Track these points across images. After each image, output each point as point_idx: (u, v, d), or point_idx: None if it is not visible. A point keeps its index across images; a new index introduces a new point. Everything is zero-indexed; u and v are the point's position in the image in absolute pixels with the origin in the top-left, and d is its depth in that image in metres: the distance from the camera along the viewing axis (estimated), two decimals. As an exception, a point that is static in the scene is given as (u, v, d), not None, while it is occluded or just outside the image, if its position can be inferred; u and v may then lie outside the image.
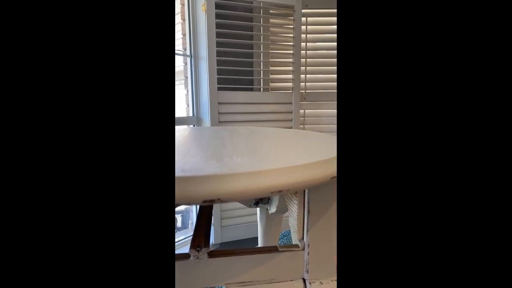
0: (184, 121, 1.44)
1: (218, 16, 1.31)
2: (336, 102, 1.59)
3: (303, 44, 1.53)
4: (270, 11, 1.45)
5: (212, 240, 1.47)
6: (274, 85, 1.55)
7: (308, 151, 0.33)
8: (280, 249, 0.37)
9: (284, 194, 0.53)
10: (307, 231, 0.37)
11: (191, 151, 0.33)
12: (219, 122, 1.38)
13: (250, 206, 0.74)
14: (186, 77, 1.50)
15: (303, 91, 1.60)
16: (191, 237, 0.39)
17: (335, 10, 1.55)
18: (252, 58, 1.49)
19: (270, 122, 1.48)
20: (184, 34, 1.48)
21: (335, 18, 1.56)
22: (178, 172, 0.23)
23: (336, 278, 0.39)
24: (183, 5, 1.45)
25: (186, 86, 1.52)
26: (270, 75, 1.54)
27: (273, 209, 0.66)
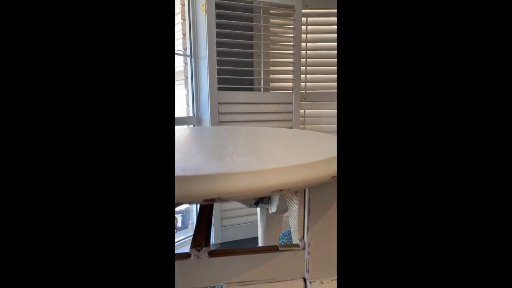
0: (184, 121, 1.44)
1: (218, 16, 1.31)
2: (336, 102, 1.59)
3: (303, 44, 1.53)
4: (270, 11, 1.45)
5: (212, 240, 1.47)
6: (274, 85, 1.55)
7: (309, 150, 0.34)
8: (280, 249, 0.38)
9: (285, 193, 0.53)
10: (308, 230, 0.37)
11: (192, 151, 0.33)
12: (219, 122, 1.39)
13: (251, 206, 0.74)
14: (186, 77, 1.50)
15: (303, 91, 1.60)
16: (191, 237, 0.39)
17: (335, 10, 1.56)
18: (252, 58, 1.49)
19: (270, 122, 1.48)
20: (184, 34, 1.48)
21: (335, 18, 1.56)
22: (179, 171, 0.23)
23: (336, 278, 0.39)
24: (183, 5, 1.45)
25: (186, 86, 1.52)
26: (270, 75, 1.54)
27: (273, 209, 0.66)
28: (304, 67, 1.58)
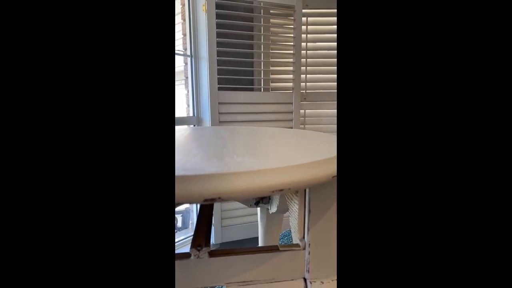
0: (184, 121, 1.44)
1: (218, 16, 1.31)
2: (336, 102, 1.59)
3: (303, 44, 1.53)
4: (271, 11, 1.45)
5: (212, 240, 1.47)
6: (275, 85, 1.55)
7: (309, 150, 0.33)
8: (280, 249, 0.37)
9: (285, 193, 0.53)
10: (308, 230, 0.37)
11: (192, 151, 0.33)
12: (220, 122, 1.39)
13: (251, 206, 0.74)
14: (187, 77, 1.50)
15: (304, 91, 1.60)
16: (191, 237, 0.39)
17: (335, 10, 1.56)
18: (253, 58, 1.49)
19: (270, 122, 1.48)
20: (184, 34, 1.48)
21: (335, 18, 1.56)
22: (179, 171, 0.23)
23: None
24: (183, 5, 1.45)
25: (186, 86, 1.52)
26: (271, 75, 1.54)
27: (273, 208, 0.66)
28: (304, 67, 1.58)
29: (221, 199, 0.22)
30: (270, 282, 0.37)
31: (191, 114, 1.50)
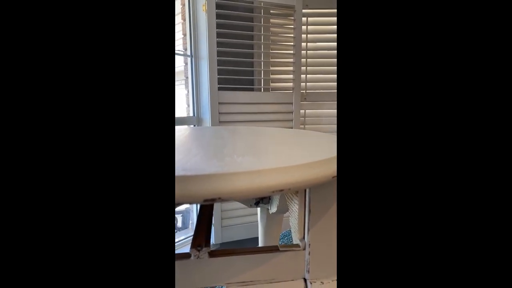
0: (184, 121, 1.44)
1: (218, 16, 1.31)
2: (336, 102, 1.59)
3: (303, 44, 1.53)
4: (271, 11, 1.45)
5: (212, 240, 1.47)
6: (275, 85, 1.55)
7: (309, 150, 0.33)
8: (281, 249, 0.37)
9: (285, 193, 0.53)
10: (308, 230, 0.37)
11: (192, 151, 0.33)
12: (220, 122, 1.39)
13: (251, 206, 0.74)
14: (187, 77, 1.51)
15: (304, 91, 1.60)
16: (191, 237, 0.39)
17: (336, 10, 1.55)
18: (253, 58, 1.49)
19: (270, 122, 1.48)
20: (184, 34, 1.48)
21: (335, 18, 1.56)
22: (179, 171, 0.23)
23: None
24: (183, 5, 1.45)
25: (186, 86, 1.52)
26: (271, 75, 1.54)
27: (273, 209, 0.66)
28: (304, 67, 1.58)
29: (221, 199, 0.22)
30: (270, 282, 0.37)
31: (191, 114, 1.50)
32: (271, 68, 1.52)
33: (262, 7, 1.42)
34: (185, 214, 2.46)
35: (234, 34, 1.38)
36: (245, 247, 0.38)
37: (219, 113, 1.37)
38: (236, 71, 1.42)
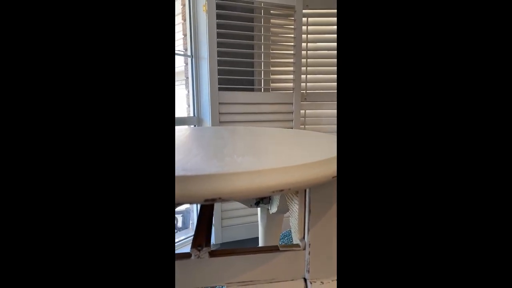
0: (185, 121, 1.44)
1: (219, 16, 1.31)
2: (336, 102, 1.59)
3: (303, 44, 1.54)
4: (271, 11, 1.45)
5: (212, 240, 1.47)
6: (275, 85, 1.55)
7: (309, 150, 0.34)
8: (281, 249, 0.38)
9: (285, 193, 0.53)
10: (308, 230, 0.37)
11: (192, 151, 0.33)
12: (220, 122, 1.39)
13: (251, 206, 0.74)
14: (187, 77, 1.51)
15: (304, 91, 1.60)
16: (192, 237, 0.39)
17: (336, 10, 1.56)
18: (253, 59, 1.49)
19: (270, 122, 1.49)
20: (185, 35, 1.48)
21: (335, 18, 1.56)
22: (179, 171, 0.23)
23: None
24: (184, 5, 1.45)
25: (187, 87, 1.52)
26: (271, 75, 1.54)
27: (274, 209, 0.66)
28: (304, 67, 1.58)
29: (221, 200, 0.22)
30: (270, 282, 0.37)
31: (191, 114, 1.50)
32: (271, 68, 1.52)
33: (262, 8, 1.42)
34: (185, 214, 2.47)
35: (235, 34, 1.38)
36: (245, 247, 0.38)
37: (219, 113, 1.37)
38: (236, 71, 1.42)
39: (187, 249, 1.43)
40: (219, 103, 1.37)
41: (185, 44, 1.49)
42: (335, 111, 1.64)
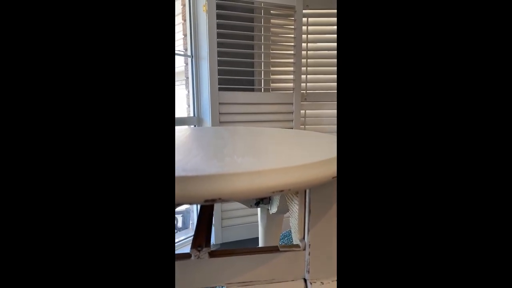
0: (185, 121, 1.44)
1: (219, 16, 1.31)
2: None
3: (304, 44, 1.54)
4: (271, 11, 1.45)
5: (212, 240, 1.47)
6: (275, 85, 1.55)
7: (309, 151, 0.33)
8: (281, 249, 0.38)
9: (285, 194, 0.53)
10: (308, 231, 0.37)
11: (192, 151, 0.33)
12: (220, 122, 1.39)
13: (251, 207, 0.74)
14: (187, 78, 1.51)
15: (304, 91, 1.60)
16: (192, 237, 0.39)
17: (336, 10, 1.56)
18: (253, 59, 1.49)
19: (270, 122, 1.49)
20: (185, 35, 1.48)
21: (335, 19, 1.56)
22: (179, 172, 0.23)
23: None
24: (184, 5, 1.45)
25: (187, 87, 1.52)
26: (271, 76, 1.54)
27: (274, 209, 0.66)
28: (304, 68, 1.58)
29: (221, 200, 0.22)
30: (270, 283, 0.37)
31: (191, 115, 1.50)
32: (272, 69, 1.52)
33: (262, 8, 1.42)
34: (185, 214, 2.46)
35: (235, 34, 1.38)
36: (245, 247, 0.38)
37: (219, 113, 1.37)
38: (236, 71, 1.42)
39: (187, 249, 1.43)
40: (219, 103, 1.37)
41: (185, 44, 1.49)
42: (335, 111, 1.64)
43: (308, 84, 1.61)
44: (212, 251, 0.36)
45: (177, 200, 0.22)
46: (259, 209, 0.85)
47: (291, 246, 0.38)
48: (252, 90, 1.51)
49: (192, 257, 0.35)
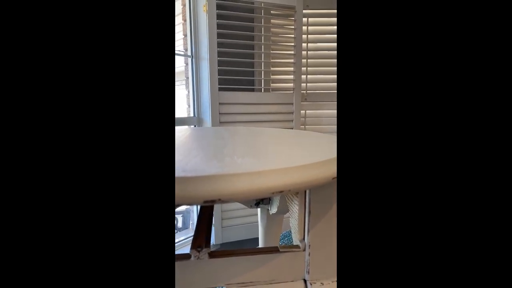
0: (185, 121, 1.44)
1: (219, 16, 1.31)
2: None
3: (304, 44, 1.54)
4: (271, 11, 1.45)
5: (212, 240, 1.47)
6: (275, 85, 1.55)
7: (309, 151, 0.33)
8: (281, 250, 0.37)
9: (285, 194, 0.53)
10: (308, 231, 0.37)
11: (192, 152, 0.33)
12: (220, 122, 1.39)
13: (251, 207, 0.74)
14: (187, 78, 1.51)
15: (304, 91, 1.60)
16: (191, 237, 0.39)
17: (336, 11, 1.56)
18: (253, 59, 1.49)
19: (271, 122, 1.48)
20: (185, 35, 1.48)
21: (335, 19, 1.56)
22: (179, 172, 0.23)
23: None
24: (184, 5, 1.45)
25: (187, 87, 1.52)
26: (271, 76, 1.54)
27: (274, 209, 0.66)
28: (305, 68, 1.58)
29: (221, 201, 0.22)
30: (270, 283, 0.37)
31: (191, 115, 1.50)
32: (272, 69, 1.52)
33: (262, 8, 1.42)
34: (185, 214, 2.46)
35: (235, 34, 1.38)
36: (245, 247, 0.38)
37: (219, 113, 1.37)
38: (236, 71, 1.42)
39: (187, 249, 1.42)
40: (219, 103, 1.37)
41: (185, 44, 1.49)
42: (335, 111, 1.64)
43: (308, 84, 1.61)
44: (212, 251, 0.36)
45: (176, 201, 0.22)
46: (259, 209, 0.85)
47: (291, 247, 0.38)
48: (252, 90, 1.51)
49: (192, 258, 0.35)
